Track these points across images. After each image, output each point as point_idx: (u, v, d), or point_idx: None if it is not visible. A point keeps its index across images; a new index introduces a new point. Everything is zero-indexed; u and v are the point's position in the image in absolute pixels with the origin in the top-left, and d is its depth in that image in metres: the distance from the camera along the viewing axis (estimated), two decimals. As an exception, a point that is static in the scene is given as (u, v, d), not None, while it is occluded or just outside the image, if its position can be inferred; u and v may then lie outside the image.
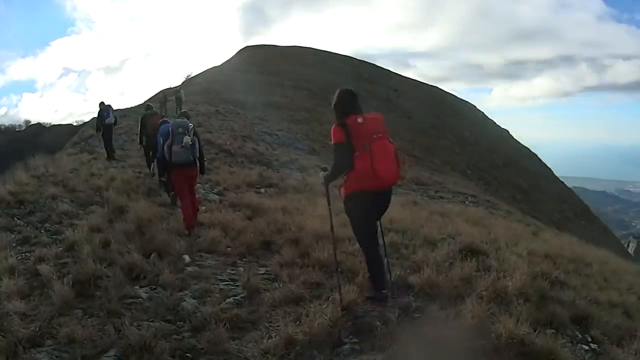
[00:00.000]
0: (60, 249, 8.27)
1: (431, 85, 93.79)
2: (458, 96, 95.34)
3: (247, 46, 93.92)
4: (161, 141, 10.39)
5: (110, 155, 19.62)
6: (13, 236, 9.28)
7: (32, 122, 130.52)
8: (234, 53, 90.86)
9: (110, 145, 20.02)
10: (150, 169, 15.80)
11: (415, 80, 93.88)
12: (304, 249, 8.13)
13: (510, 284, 6.60)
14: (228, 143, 25.40)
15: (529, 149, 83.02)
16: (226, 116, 35.62)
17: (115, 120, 20.49)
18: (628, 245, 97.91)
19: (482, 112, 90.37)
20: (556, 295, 6.77)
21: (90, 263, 7.07)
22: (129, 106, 34.11)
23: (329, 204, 6.28)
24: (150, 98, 51.91)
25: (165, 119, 14.18)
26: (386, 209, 6.13)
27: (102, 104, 20.34)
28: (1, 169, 18.47)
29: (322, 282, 6.80)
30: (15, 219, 10.42)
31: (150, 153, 15.33)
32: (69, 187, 13.20)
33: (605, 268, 10.83)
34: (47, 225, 10.04)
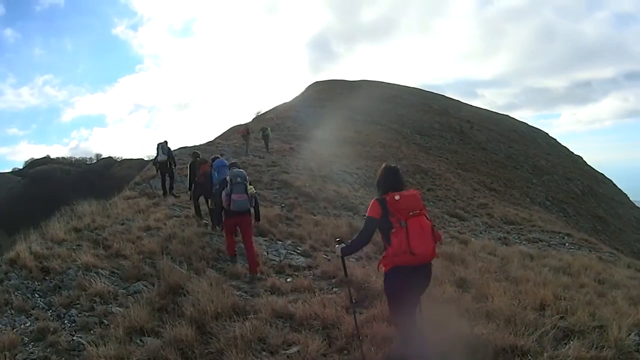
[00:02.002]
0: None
1: (502, 114, 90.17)
2: (529, 124, 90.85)
3: (317, 81, 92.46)
4: (216, 175, 12.07)
5: (165, 193, 17.87)
6: (27, 324, 6.61)
7: (104, 156, 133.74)
8: (302, 89, 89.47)
9: (162, 183, 18.45)
10: (213, 222, 13.42)
11: (486, 109, 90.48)
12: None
13: None
14: (307, 185, 22.43)
15: (603, 174, 78.41)
16: (301, 154, 33.00)
17: (170, 158, 18.28)
18: None
19: (555, 139, 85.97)
20: None
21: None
22: (198, 143, 32.03)
23: (346, 276, 6.37)
24: (222, 134, 50.04)
25: (217, 156, 14.43)
26: (426, 285, 5.69)
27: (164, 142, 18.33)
28: (69, 200, 15.79)
29: None
30: (36, 295, 7.45)
31: (208, 201, 13.81)
32: (112, 249, 9.92)
33: None
34: (73, 312, 7.00)
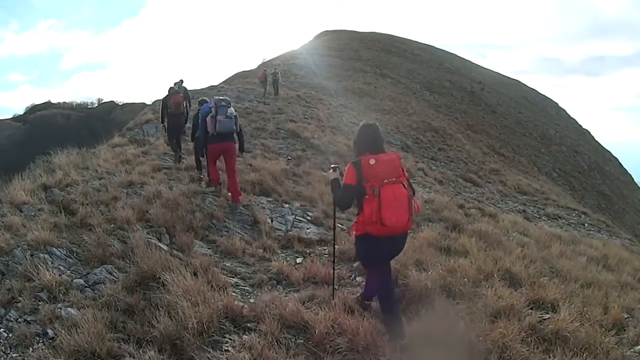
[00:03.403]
0: None
1: (512, 79, 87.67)
2: (539, 91, 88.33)
3: (326, 30, 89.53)
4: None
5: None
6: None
7: (105, 100, 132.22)
8: (310, 37, 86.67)
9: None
10: (176, 155, 13.32)
11: (497, 72, 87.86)
12: None
13: None
14: (316, 136, 20.30)
15: (610, 152, 76.06)
16: (309, 102, 30.66)
17: (186, 98, 15.17)
18: None
19: (565, 110, 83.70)
20: None
21: None
22: (200, 87, 29.97)
23: (334, 212, 6.30)
24: (227, 79, 48.06)
25: (205, 99, 12.74)
26: (398, 252, 5.51)
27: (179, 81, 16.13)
28: (73, 145, 14.16)
29: None
30: (-26, 289, 5.32)
31: (176, 136, 13.80)
32: (78, 217, 7.61)
33: None
34: (12, 314, 4.95)
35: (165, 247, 6.97)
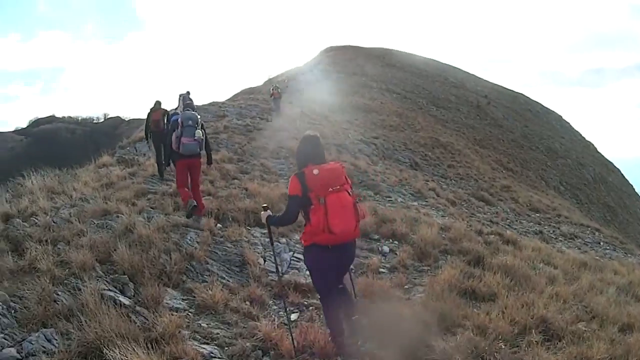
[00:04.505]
0: None
1: (517, 92, 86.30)
2: (543, 104, 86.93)
3: (330, 46, 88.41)
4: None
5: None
6: None
7: (111, 115, 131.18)
8: (315, 54, 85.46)
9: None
10: (159, 172, 13.00)
11: (501, 86, 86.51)
12: None
13: None
14: (320, 155, 18.64)
15: (612, 163, 74.80)
16: (313, 119, 29.28)
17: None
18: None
19: (569, 123, 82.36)
20: None
21: None
22: (201, 103, 28.73)
23: (272, 244, 5.79)
24: (232, 97, 46.92)
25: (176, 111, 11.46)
26: (350, 262, 5.32)
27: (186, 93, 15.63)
28: (77, 160, 14.41)
29: None
30: None
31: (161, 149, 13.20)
32: (26, 259, 5.92)
33: None
34: None
35: (127, 302, 5.49)
